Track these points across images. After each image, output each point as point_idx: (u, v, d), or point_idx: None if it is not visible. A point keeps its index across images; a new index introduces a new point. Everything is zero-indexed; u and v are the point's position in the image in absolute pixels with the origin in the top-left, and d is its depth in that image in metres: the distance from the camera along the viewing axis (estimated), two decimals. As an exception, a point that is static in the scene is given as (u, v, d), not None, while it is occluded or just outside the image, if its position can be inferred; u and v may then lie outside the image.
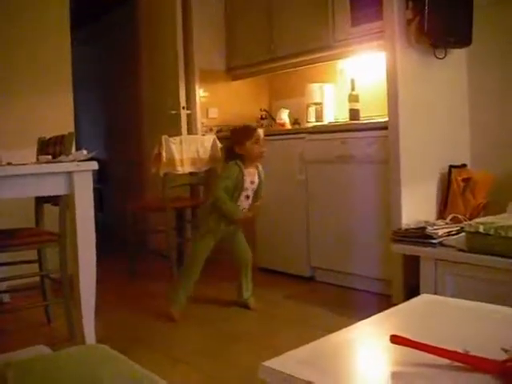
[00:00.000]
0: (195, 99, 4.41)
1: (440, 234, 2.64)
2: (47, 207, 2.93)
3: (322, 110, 3.94)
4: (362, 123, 3.43)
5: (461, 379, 1.01)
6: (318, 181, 3.46)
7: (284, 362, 1.11)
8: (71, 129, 3.63)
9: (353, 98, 3.70)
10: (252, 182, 2.93)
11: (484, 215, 2.87)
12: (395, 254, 2.87)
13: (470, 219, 2.72)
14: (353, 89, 3.73)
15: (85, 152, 2.43)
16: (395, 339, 1.10)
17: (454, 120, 3.23)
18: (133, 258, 4.00)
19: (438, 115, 3.12)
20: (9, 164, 2.33)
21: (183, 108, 4.30)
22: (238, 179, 2.87)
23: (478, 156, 3.23)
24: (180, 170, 3.70)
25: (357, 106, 3.69)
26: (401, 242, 2.75)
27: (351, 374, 1.13)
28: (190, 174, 3.84)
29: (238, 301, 3.11)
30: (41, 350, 1.29)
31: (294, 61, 4.01)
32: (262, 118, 4.53)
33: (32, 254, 2.89)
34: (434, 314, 1.44)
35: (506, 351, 1.03)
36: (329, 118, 3.95)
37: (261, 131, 2.97)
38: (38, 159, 2.61)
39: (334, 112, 4.01)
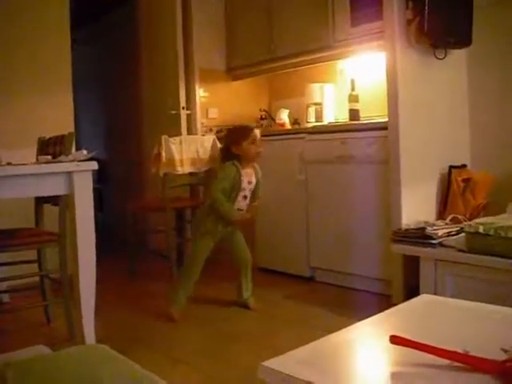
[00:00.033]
0: (195, 99, 4.41)
1: (440, 234, 2.64)
2: (47, 207, 2.93)
3: (321, 110, 3.94)
4: (361, 123, 3.43)
5: (460, 379, 1.01)
6: (318, 181, 3.46)
7: (283, 362, 1.11)
8: (71, 129, 3.63)
9: (353, 98, 3.70)
10: (249, 183, 2.93)
11: (484, 216, 2.87)
12: (395, 254, 2.87)
13: (470, 220, 2.72)
14: (353, 89, 3.73)
15: (85, 152, 2.43)
16: (395, 339, 1.10)
17: (453, 120, 3.23)
18: (133, 258, 4.00)
19: (438, 115, 3.12)
20: (9, 164, 2.33)
21: (183, 108, 4.30)
22: (235, 180, 2.87)
23: (478, 156, 3.23)
24: (180, 170, 3.70)
25: (357, 106, 3.69)
26: (401, 243, 2.75)
27: (351, 374, 1.13)
28: (190, 174, 3.84)
29: (238, 301, 3.11)
30: (40, 350, 1.29)
31: (294, 61, 4.01)
32: (261, 118, 4.53)
33: (32, 254, 2.89)
34: (434, 314, 1.44)
35: (505, 351, 1.03)
36: (329, 118, 3.95)
37: (257, 131, 2.97)
38: (37, 159, 2.61)
39: (334, 112, 4.01)
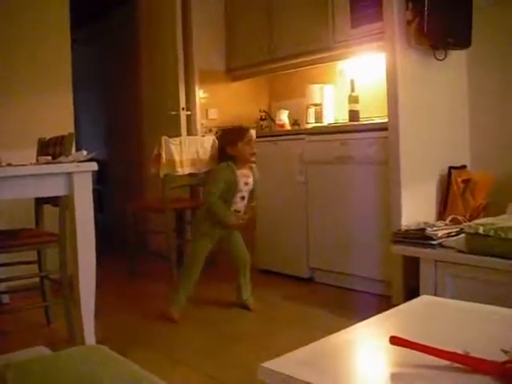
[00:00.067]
0: (195, 100, 4.41)
1: (440, 235, 2.64)
2: (47, 208, 2.92)
3: (321, 111, 3.94)
4: (361, 124, 3.43)
5: (460, 380, 1.01)
6: (318, 182, 3.46)
7: (283, 363, 1.11)
8: (71, 129, 3.63)
9: (352, 99, 3.70)
10: (246, 184, 2.92)
11: (484, 216, 2.87)
12: (395, 255, 2.87)
13: (470, 220, 2.72)
14: (353, 90, 3.73)
15: (85, 153, 2.43)
16: (395, 340, 1.10)
17: (453, 121, 3.23)
18: (133, 259, 4.00)
19: (438, 116, 3.12)
20: (9, 165, 2.34)
21: (183, 109, 4.30)
22: (231, 181, 2.86)
23: (478, 157, 3.23)
24: (180, 171, 3.70)
25: (356, 107, 3.69)
26: (401, 243, 2.75)
27: (351, 375, 1.13)
28: (190, 175, 3.84)
29: (238, 302, 3.11)
30: (40, 351, 1.29)
31: (294, 62, 4.01)
32: (261, 119, 4.53)
33: (32, 255, 2.89)
34: (434, 315, 1.44)
35: (505, 352, 1.03)
36: (328, 119, 3.95)
37: (253, 132, 2.96)
38: (37, 160, 2.61)
39: (334, 113, 4.01)
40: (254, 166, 2.98)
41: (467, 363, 1.03)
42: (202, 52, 4.44)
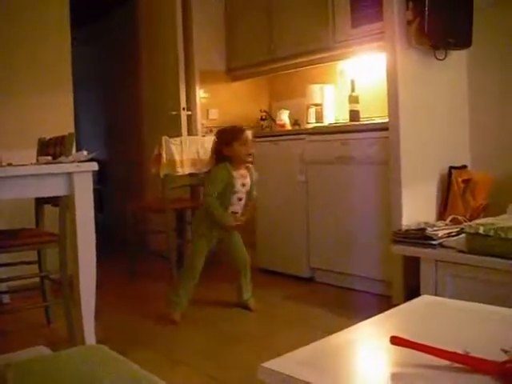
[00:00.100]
0: (195, 100, 4.41)
1: (440, 235, 2.64)
2: (47, 208, 2.93)
3: (322, 111, 3.94)
4: (362, 124, 3.43)
5: (461, 380, 1.01)
6: (318, 182, 3.46)
7: (284, 363, 1.11)
8: (71, 129, 3.63)
9: (353, 99, 3.70)
10: (243, 184, 2.90)
11: (484, 216, 2.87)
12: (395, 255, 2.87)
13: (470, 220, 2.72)
14: (353, 90, 3.73)
15: (85, 153, 2.43)
16: (395, 340, 1.10)
17: (454, 121, 3.23)
18: (133, 259, 4.00)
19: (438, 116, 3.12)
20: (9, 165, 2.34)
21: (183, 109, 4.30)
22: (228, 182, 2.85)
23: (478, 157, 3.23)
24: (180, 171, 3.70)
25: (357, 107, 3.68)
26: (401, 243, 2.75)
27: (351, 375, 1.13)
28: (190, 175, 3.84)
29: (239, 302, 3.11)
30: (41, 351, 1.29)
31: (294, 62, 4.01)
32: (262, 119, 4.53)
33: (32, 255, 2.89)
34: (434, 315, 1.44)
35: (505, 352, 1.03)
36: (329, 119, 3.95)
37: (249, 133, 2.95)
38: (38, 160, 2.61)
39: (334, 113, 4.01)
40: (251, 166, 2.98)
41: (467, 363, 1.03)
42: (202, 52, 4.44)
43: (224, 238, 3.01)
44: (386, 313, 1.43)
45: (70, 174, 2.32)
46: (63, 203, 2.62)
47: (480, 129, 3.24)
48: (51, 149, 2.86)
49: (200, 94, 4.44)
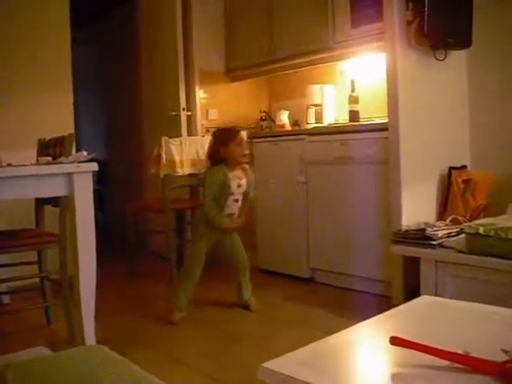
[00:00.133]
0: (195, 100, 4.41)
1: (440, 235, 2.64)
2: (47, 208, 2.93)
3: (321, 112, 3.94)
4: (361, 124, 3.43)
5: (461, 380, 1.01)
6: (318, 182, 3.46)
7: (283, 364, 1.11)
8: (71, 130, 3.63)
9: (353, 100, 3.70)
10: (239, 186, 2.90)
11: (484, 216, 2.86)
12: (395, 255, 2.87)
13: (470, 220, 2.72)
14: (353, 90, 3.73)
15: (85, 153, 2.43)
16: (395, 341, 1.10)
17: (454, 121, 3.23)
18: (133, 259, 4.00)
19: (438, 116, 3.12)
20: (9, 165, 2.34)
21: (183, 109, 4.30)
22: (223, 184, 2.85)
23: (478, 157, 3.23)
24: (180, 171, 3.70)
25: (357, 107, 3.69)
26: (401, 244, 2.75)
27: (351, 375, 1.13)
28: (190, 175, 3.84)
29: (239, 302, 3.11)
30: (41, 352, 1.29)
31: (294, 62, 4.01)
32: (261, 120, 4.53)
33: (32, 256, 2.89)
34: (434, 315, 1.44)
35: (506, 352, 1.03)
36: (329, 120, 3.95)
37: (244, 133, 2.96)
38: (38, 160, 2.61)
39: (334, 113, 4.01)
40: (247, 167, 2.98)
41: (467, 363, 1.03)
42: (202, 52, 4.44)
43: (223, 240, 3.01)
44: (386, 313, 1.43)
45: (70, 175, 2.32)
46: (63, 204, 2.62)
47: (480, 128, 3.24)
48: (51, 149, 2.86)
49: (200, 94, 4.44)
